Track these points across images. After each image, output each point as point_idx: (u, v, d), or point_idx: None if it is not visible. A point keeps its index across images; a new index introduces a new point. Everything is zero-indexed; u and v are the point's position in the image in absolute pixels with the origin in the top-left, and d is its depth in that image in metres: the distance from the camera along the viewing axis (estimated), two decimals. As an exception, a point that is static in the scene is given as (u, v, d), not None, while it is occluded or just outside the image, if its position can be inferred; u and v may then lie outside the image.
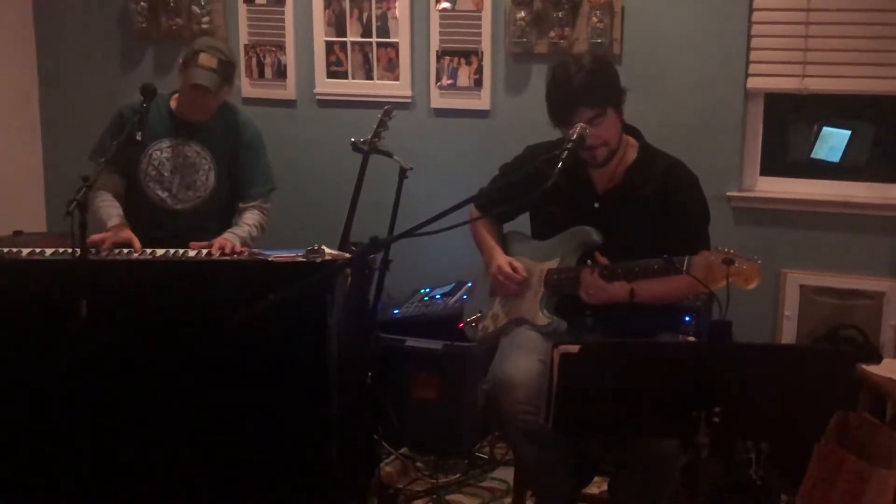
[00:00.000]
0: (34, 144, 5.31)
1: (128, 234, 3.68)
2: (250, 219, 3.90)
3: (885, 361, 3.74)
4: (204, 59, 3.71)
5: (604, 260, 3.05)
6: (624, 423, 2.45)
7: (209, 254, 3.55)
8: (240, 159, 3.94)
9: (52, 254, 3.49)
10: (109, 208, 3.80)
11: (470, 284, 3.98)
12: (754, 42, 4.21)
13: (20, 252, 3.51)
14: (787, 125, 4.69)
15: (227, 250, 3.57)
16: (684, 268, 2.80)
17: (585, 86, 3.01)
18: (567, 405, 2.40)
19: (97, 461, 3.20)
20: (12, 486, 3.41)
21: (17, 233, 4.75)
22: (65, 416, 3.11)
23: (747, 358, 2.38)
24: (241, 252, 3.59)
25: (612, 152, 3.11)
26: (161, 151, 3.88)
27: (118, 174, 3.90)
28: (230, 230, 3.81)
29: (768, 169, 4.41)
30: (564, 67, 3.08)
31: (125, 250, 3.57)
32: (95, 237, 3.54)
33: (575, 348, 2.36)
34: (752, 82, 4.25)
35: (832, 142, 4.63)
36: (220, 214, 3.93)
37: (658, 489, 2.93)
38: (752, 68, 4.24)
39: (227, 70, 3.77)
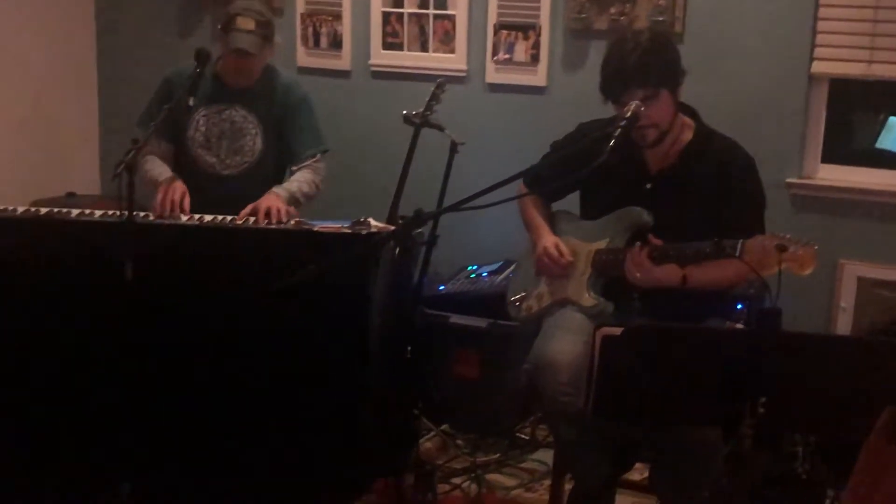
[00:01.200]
0: (91, 107, 5.35)
1: (181, 185, 3.69)
2: (301, 176, 3.87)
3: (942, 358, 3.64)
4: (241, 22, 3.69)
5: (657, 241, 2.98)
6: (664, 409, 2.39)
7: (256, 221, 3.53)
8: (288, 121, 3.92)
9: (101, 215, 3.50)
10: (159, 167, 3.81)
11: (516, 263, 3.93)
12: (821, 25, 4.10)
13: (70, 212, 3.54)
14: (852, 112, 4.57)
15: (274, 215, 3.55)
16: (737, 252, 2.72)
17: (640, 65, 2.94)
18: (607, 389, 2.34)
19: (136, 423, 3.20)
20: (51, 446, 3.43)
21: (70, 194, 4.81)
22: (106, 376, 3.11)
23: (795, 348, 2.31)
24: (286, 218, 3.57)
25: (663, 134, 3.03)
26: (208, 117, 3.88)
27: (166, 141, 3.91)
28: (277, 186, 3.79)
29: (830, 156, 4.30)
30: (621, 44, 3.01)
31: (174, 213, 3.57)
32: (158, 202, 3.60)
33: (617, 330, 2.30)
34: (817, 66, 4.14)
35: (898, 132, 4.52)
36: (269, 180, 3.91)
37: (699, 478, 2.87)
38: (818, 52, 4.13)
39: (266, 30, 3.75)
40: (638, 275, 2.96)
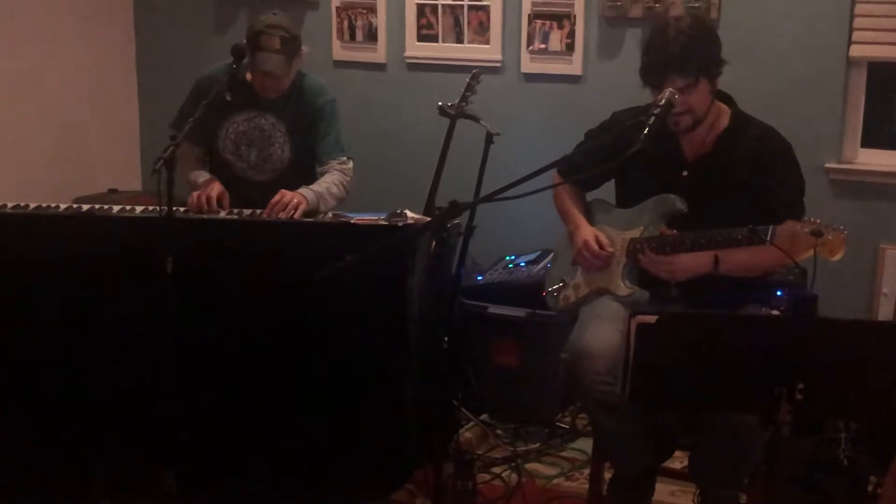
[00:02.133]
0: (131, 104, 5.41)
1: (218, 184, 3.71)
2: (329, 178, 3.83)
3: None
4: (266, 41, 3.63)
5: (669, 231, 2.98)
6: (701, 396, 2.39)
7: (274, 205, 3.55)
8: (313, 128, 3.89)
9: (142, 211, 3.55)
10: (202, 175, 3.83)
11: (553, 253, 3.94)
12: (858, 8, 4.06)
13: (111, 209, 3.59)
14: (892, 95, 4.52)
15: (290, 207, 3.54)
16: (768, 238, 2.71)
17: (681, 53, 2.91)
18: (643, 376, 2.35)
19: (180, 416, 3.25)
20: (95, 440, 3.49)
21: (112, 191, 4.88)
22: (148, 370, 3.16)
23: (831, 333, 2.30)
24: (297, 214, 3.56)
25: (697, 121, 3.01)
26: (237, 124, 3.86)
27: (198, 145, 3.91)
28: (304, 187, 3.76)
29: (870, 141, 4.27)
30: (663, 30, 2.98)
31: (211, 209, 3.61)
32: (194, 198, 3.63)
33: (652, 318, 2.30)
34: (855, 50, 4.09)
35: (938, 114, 4.46)
36: (299, 186, 3.88)
37: (739, 465, 2.87)
38: (856, 35, 4.08)
39: (290, 47, 3.68)
40: (666, 274, 2.98)
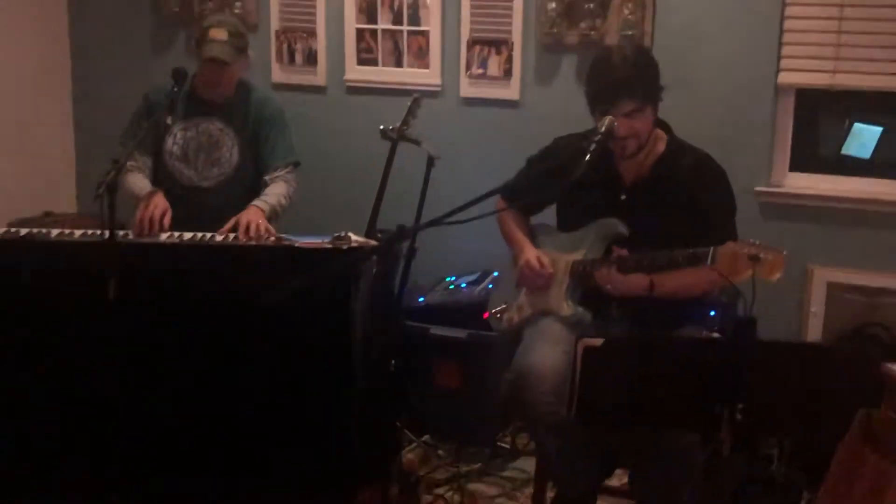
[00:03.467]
0: (65, 126, 5.35)
1: (161, 200, 3.72)
2: (277, 189, 3.92)
3: (911, 360, 3.73)
4: (214, 32, 3.78)
5: (622, 251, 3.06)
6: (646, 417, 2.46)
7: (237, 238, 3.57)
8: (262, 134, 3.99)
9: (82, 235, 3.53)
10: (141, 181, 3.86)
11: (496, 274, 3.99)
12: (786, 37, 4.18)
13: (49, 233, 3.56)
14: (818, 120, 4.66)
15: (253, 231, 3.58)
16: (709, 259, 2.80)
17: (630, 78, 3.01)
18: (590, 397, 2.41)
19: (123, 441, 3.23)
20: (37, 466, 3.45)
21: (48, 213, 4.82)
22: (91, 395, 3.14)
23: (771, 355, 2.38)
24: (268, 234, 3.60)
25: (641, 145, 3.10)
26: (185, 130, 3.94)
27: (148, 156, 3.97)
28: (256, 199, 3.84)
29: (798, 164, 4.38)
30: (607, 56, 3.08)
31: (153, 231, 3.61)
32: (139, 215, 3.63)
33: (598, 341, 2.36)
34: (784, 77, 4.22)
35: (863, 138, 4.60)
36: (246, 191, 3.96)
37: (679, 483, 2.94)
38: (784, 63, 4.21)
39: (239, 40, 3.83)
40: (609, 287, 3.05)
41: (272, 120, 4.02)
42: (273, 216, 3.80)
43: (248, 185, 4.00)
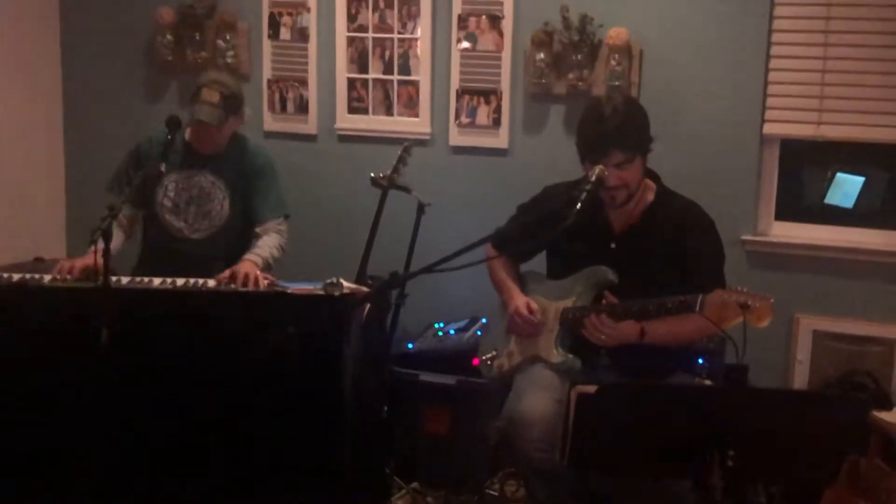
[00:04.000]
0: (57, 172, 5.36)
1: (85, 261, 3.65)
2: (269, 241, 3.94)
3: (897, 408, 3.77)
4: (206, 94, 3.79)
5: (612, 299, 3.10)
6: (638, 463, 2.48)
7: (229, 284, 3.59)
8: (252, 187, 4.00)
9: (75, 281, 3.53)
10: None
11: (484, 320, 4.02)
12: (771, 88, 4.26)
13: (42, 279, 3.57)
14: (802, 170, 4.73)
15: (251, 282, 3.59)
16: (697, 306, 2.83)
17: (620, 129, 3.06)
18: (583, 444, 2.43)
19: (116, 486, 3.23)
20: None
21: (38, 259, 4.81)
22: (83, 442, 3.14)
23: (761, 402, 2.41)
24: (263, 285, 3.61)
25: (631, 195, 3.15)
26: (177, 182, 3.95)
27: (132, 206, 3.96)
28: (250, 252, 3.85)
29: (783, 213, 4.44)
30: (598, 107, 3.13)
31: (145, 279, 3.61)
32: (64, 264, 3.61)
33: (592, 389, 2.39)
34: (769, 128, 4.29)
35: (846, 188, 4.67)
36: (235, 242, 3.99)
37: (669, 530, 2.95)
38: (769, 114, 4.28)
39: (230, 103, 3.83)
40: (603, 337, 3.08)
41: (263, 172, 4.03)
42: (266, 268, 3.81)
43: (238, 237, 4.01)
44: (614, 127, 3.04)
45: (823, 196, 4.72)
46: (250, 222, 4.04)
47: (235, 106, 3.87)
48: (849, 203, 4.65)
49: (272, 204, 4.02)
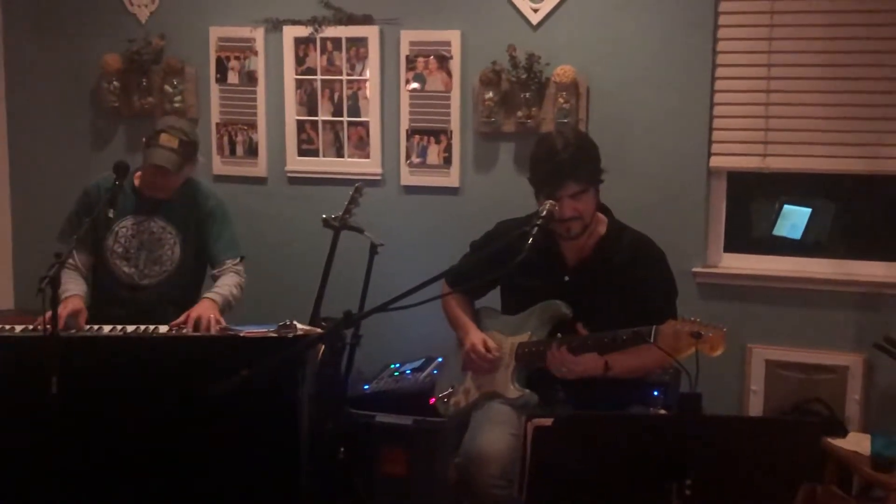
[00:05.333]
0: (3, 220, 5.29)
1: (74, 302, 3.66)
2: (228, 280, 3.89)
3: (851, 435, 3.81)
4: (165, 139, 3.74)
5: (584, 331, 3.10)
6: (597, 495, 2.47)
7: (181, 329, 3.55)
8: (205, 230, 3.95)
9: (22, 330, 3.48)
10: (67, 283, 3.75)
11: (440, 360, 4.00)
12: (716, 122, 4.32)
13: (-11, 329, 3.51)
14: (750, 202, 4.79)
15: (203, 325, 3.55)
16: (651, 337, 2.85)
17: (574, 161, 3.08)
18: (540, 478, 2.41)
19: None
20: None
21: (-15, 309, 4.75)
22: (35, 491, 3.08)
23: (716, 430, 2.41)
24: (215, 328, 3.57)
25: (586, 226, 3.17)
26: (127, 228, 3.88)
27: (87, 253, 3.90)
28: (209, 291, 3.81)
29: (732, 245, 4.49)
30: (550, 141, 3.16)
31: (95, 327, 3.56)
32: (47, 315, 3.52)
33: (548, 421, 2.38)
34: (715, 161, 4.35)
35: (793, 219, 4.74)
36: (187, 286, 3.94)
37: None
38: (715, 147, 4.34)
39: (187, 150, 3.79)
40: (563, 369, 3.08)
41: (214, 215, 3.98)
42: (226, 307, 3.76)
43: (189, 281, 3.97)
44: (568, 158, 3.07)
45: (772, 227, 4.78)
46: (203, 266, 4.01)
47: (192, 152, 3.84)
48: (796, 234, 4.72)
49: (225, 245, 3.98)
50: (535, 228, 2.97)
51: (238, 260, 3.98)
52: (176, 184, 3.86)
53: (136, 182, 3.90)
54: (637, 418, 2.80)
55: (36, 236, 5.04)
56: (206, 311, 3.61)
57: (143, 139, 3.83)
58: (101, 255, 3.91)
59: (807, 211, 4.72)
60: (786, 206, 4.76)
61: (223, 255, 3.95)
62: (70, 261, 3.74)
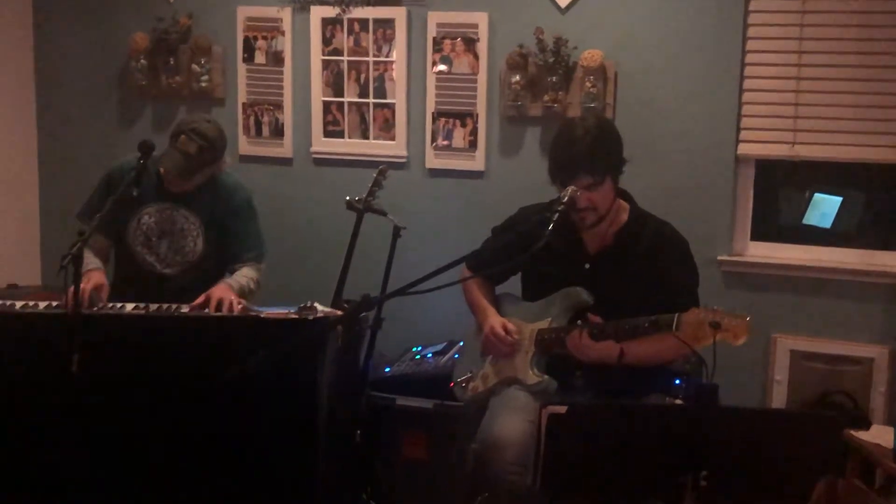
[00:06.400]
0: (32, 199, 5.34)
1: (97, 275, 3.65)
2: (245, 272, 3.84)
3: (874, 428, 3.76)
4: (183, 142, 3.65)
5: (597, 319, 3.08)
6: (611, 484, 2.45)
7: (201, 308, 3.55)
8: (229, 226, 3.89)
9: (46, 307, 3.50)
10: (88, 257, 3.67)
11: (462, 344, 3.99)
12: (745, 109, 4.28)
13: (13, 305, 3.52)
14: (779, 191, 4.74)
15: (226, 306, 3.54)
16: (673, 326, 2.82)
17: (589, 153, 3.06)
18: (554, 465, 2.40)
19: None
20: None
21: (12, 286, 4.79)
22: (55, 470, 3.10)
23: (734, 422, 2.39)
24: (237, 308, 3.56)
25: (601, 217, 3.14)
26: (150, 216, 3.82)
27: (104, 236, 3.83)
28: (225, 279, 3.77)
29: (759, 234, 4.45)
30: (570, 130, 3.13)
31: (118, 304, 3.57)
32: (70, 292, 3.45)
33: (563, 409, 2.37)
34: (743, 148, 4.30)
35: (823, 208, 4.68)
36: (208, 279, 3.82)
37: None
38: (743, 135, 4.29)
39: (204, 157, 3.68)
40: (580, 353, 3.07)
41: (240, 212, 3.91)
42: (241, 295, 3.72)
43: (211, 274, 3.87)
44: (583, 150, 3.04)
45: (801, 216, 4.73)
46: (226, 260, 3.93)
47: (210, 159, 3.73)
48: (827, 223, 4.66)
49: (249, 244, 3.91)
50: (556, 215, 2.95)
51: (259, 260, 3.92)
52: (191, 186, 3.79)
53: (162, 170, 3.84)
54: (651, 408, 2.78)
55: (63, 214, 5.04)
56: (226, 293, 3.60)
57: (171, 132, 3.74)
58: (123, 240, 3.87)
59: (837, 200, 4.66)
60: (816, 195, 4.70)
61: (245, 254, 3.88)
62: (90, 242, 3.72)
